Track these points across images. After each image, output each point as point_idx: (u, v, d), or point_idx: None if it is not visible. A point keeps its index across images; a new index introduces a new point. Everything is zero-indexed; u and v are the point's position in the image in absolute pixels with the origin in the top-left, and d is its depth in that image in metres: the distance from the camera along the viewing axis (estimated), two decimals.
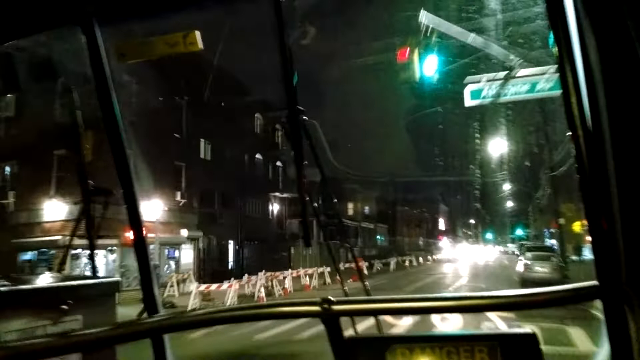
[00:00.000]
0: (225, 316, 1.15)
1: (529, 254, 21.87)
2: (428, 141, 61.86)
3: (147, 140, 20.42)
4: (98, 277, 2.18)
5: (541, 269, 20.09)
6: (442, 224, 77.19)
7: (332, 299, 1.03)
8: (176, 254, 22.85)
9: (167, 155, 22.63)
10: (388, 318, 8.03)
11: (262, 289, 18.88)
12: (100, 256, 19.13)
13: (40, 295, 1.86)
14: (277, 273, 21.56)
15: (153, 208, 20.97)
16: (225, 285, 18.22)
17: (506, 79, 10.68)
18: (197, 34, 1.59)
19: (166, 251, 22.68)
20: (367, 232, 53.34)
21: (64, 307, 1.78)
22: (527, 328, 0.99)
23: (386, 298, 1.09)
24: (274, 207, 37.85)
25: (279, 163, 39.08)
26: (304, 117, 1.74)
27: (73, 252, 18.82)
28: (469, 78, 10.31)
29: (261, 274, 20.82)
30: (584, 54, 0.89)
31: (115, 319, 1.99)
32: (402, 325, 9.61)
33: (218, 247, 30.78)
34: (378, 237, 56.38)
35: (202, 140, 29.03)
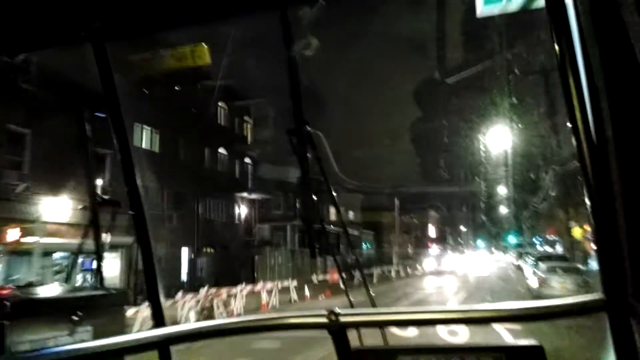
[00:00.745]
0: (231, 327, 1.18)
1: (542, 265, 17.36)
2: (430, 148, 58.23)
3: (49, 116, 15.64)
4: (107, 289, 2.23)
5: (561, 285, 15.57)
6: (431, 231, 73.11)
7: (339, 310, 1.06)
8: (94, 264, 17.86)
9: (80, 139, 17.78)
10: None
11: (193, 313, 14.06)
12: None
13: (52, 305, 1.93)
14: (223, 290, 16.76)
15: (56, 205, 16.17)
16: (142, 307, 13.43)
17: None
18: (205, 47, 1.72)
19: (83, 261, 17.72)
20: (351, 238, 48.83)
21: (75, 317, 1.80)
22: (533, 340, 0.97)
23: (393, 310, 1.24)
24: (241, 210, 33.03)
25: (247, 160, 34.33)
26: (309, 128, 1.67)
27: None
28: None
29: (202, 291, 16.13)
30: (586, 61, 0.87)
31: (123, 330, 2.06)
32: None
33: (166, 256, 25.90)
34: (363, 244, 51.85)
35: (144, 127, 24.19)
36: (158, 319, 1.60)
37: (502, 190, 51.09)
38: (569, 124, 0.88)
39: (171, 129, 25.28)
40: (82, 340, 1.62)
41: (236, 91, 31.00)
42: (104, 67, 1.57)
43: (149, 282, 1.64)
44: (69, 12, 1.49)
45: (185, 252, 27.29)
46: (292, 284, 21.28)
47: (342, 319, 1.05)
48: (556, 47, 0.89)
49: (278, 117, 36.82)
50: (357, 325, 1.17)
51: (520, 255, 37.15)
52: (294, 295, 20.80)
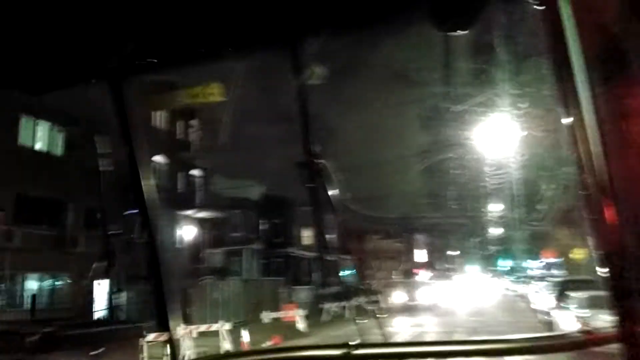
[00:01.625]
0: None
1: (578, 297, 11.76)
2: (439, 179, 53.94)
3: None
4: (122, 322, 1.43)
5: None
6: (420, 256, 67.51)
7: (353, 343, 1.08)
8: None
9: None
10: None
11: None
12: None
13: (74, 340, 1.42)
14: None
15: None
16: None
17: None
18: (219, 85, 1.84)
19: None
20: (328, 265, 42.95)
21: (93, 352, 1.46)
22: None
23: (408, 342, 1.11)
24: (186, 231, 27.09)
25: (195, 171, 28.59)
26: (318, 160, 1.67)
27: None
28: None
29: None
30: (581, 55, 0.83)
31: None
32: None
33: (73, 290, 19.88)
34: (341, 271, 45.92)
35: (39, 121, 18.47)
36: (173, 355, 1.65)
37: (496, 210, 46.13)
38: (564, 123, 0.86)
39: (85, 128, 19.48)
40: None
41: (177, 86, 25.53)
42: (119, 105, 1.62)
43: (161, 316, 1.62)
44: (86, 51, 1.51)
45: (103, 285, 21.26)
46: (225, 326, 15.42)
47: (356, 352, 1.05)
48: (549, 41, 0.86)
49: (235, 120, 31.37)
50: (371, 358, 1.19)
51: (523, 281, 31.58)
52: (226, 343, 14.90)
